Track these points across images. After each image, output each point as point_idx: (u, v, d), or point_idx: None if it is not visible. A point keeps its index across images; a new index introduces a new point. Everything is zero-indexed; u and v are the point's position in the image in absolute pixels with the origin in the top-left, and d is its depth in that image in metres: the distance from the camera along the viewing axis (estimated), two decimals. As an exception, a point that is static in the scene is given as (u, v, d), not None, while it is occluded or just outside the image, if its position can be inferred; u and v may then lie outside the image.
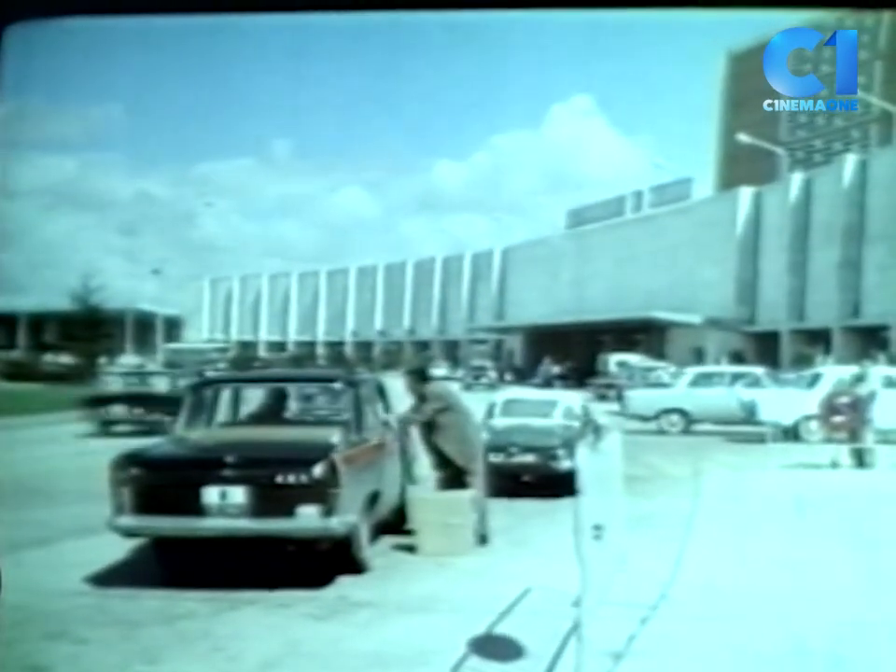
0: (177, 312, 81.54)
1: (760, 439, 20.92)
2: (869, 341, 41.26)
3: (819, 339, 45.12)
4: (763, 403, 21.51)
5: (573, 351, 54.34)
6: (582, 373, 44.09)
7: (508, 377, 49.53)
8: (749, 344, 49.47)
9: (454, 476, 10.24)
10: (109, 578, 8.72)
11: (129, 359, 60.50)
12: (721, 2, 3.74)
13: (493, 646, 6.70)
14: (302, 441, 9.00)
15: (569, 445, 12.39)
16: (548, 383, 41.45)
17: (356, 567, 8.78)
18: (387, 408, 10.92)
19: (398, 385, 11.20)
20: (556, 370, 48.08)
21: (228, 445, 8.93)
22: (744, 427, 22.41)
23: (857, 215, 46.37)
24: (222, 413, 10.35)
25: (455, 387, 12.27)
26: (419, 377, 10.67)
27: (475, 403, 12.27)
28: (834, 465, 16.68)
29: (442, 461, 10.30)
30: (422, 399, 10.39)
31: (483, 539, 10.09)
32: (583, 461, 6.19)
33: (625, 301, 56.27)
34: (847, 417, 17.40)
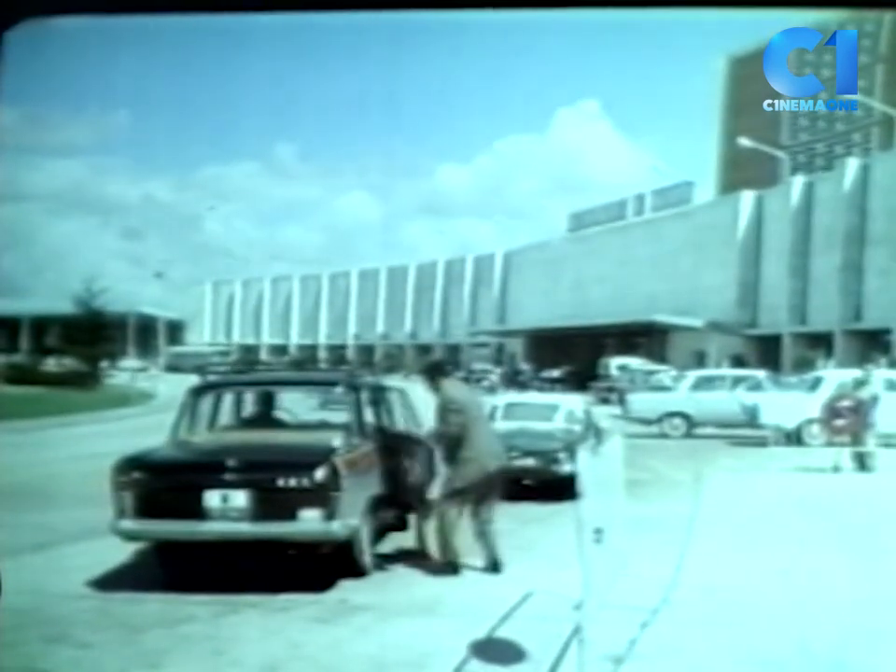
0: (180, 315, 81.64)
1: (762, 442, 20.94)
2: (871, 344, 41.26)
3: (820, 342, 45.13)
4: (765, 407, 21.53)
5: (575, 354, 54.37)
6: (581, 377, 44.10)
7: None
8: (751, 348, 49.48)
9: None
10: (111, 581, 8.72)
11: (131, 363, 60.61)
12: (723, 1, 3.75)
13: (494, 649, 6.70)
14: (304, 444, 9.00)
15: (570, 449, 12.37)
16: (524, 386, 41.35)
17: (357, 570, 8.78)
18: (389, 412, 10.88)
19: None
20: (556, 373, 48.14)
21: (229, 449, 8.93)
22: (746, 431, 22.40)
23: (858, 218, 46.37)
24: (224, 416, 10.34)
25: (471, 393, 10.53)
26: (431, 377, 9.62)
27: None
28: (836, 468, 16.67)
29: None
30: (441, 405, 9.42)
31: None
32: (584, 465, 6.19)
33: (627, 304, 56.30)
34: (849, 421, 17.40)
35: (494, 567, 9.17)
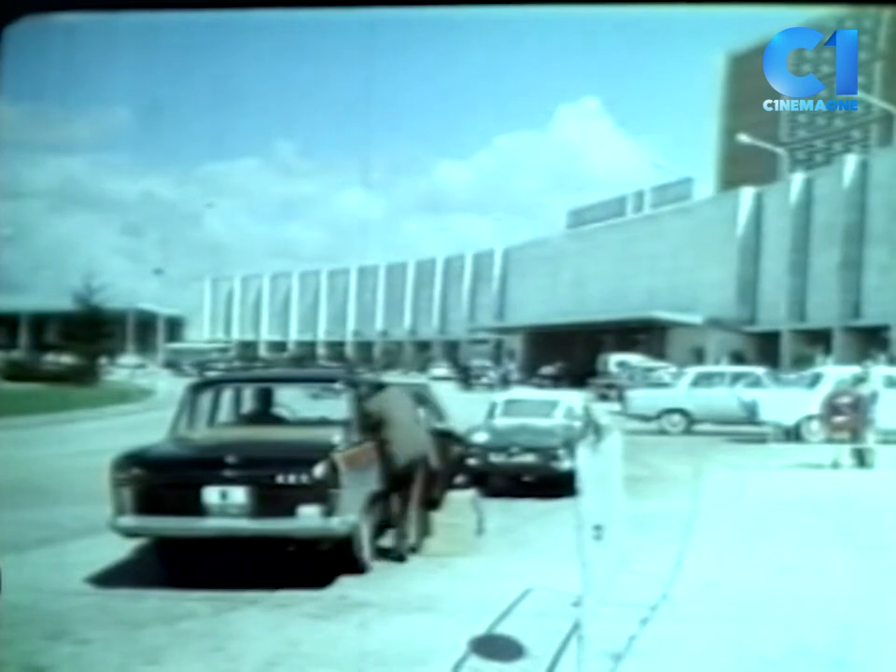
0: (179, 312, 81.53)
1: (761, 439, 20.93)
2: (870, 341, 41.24)
3: (819, 339, 45.11)
4: (764, 403, 21.50)
5: (574, 351, 54.36)
6: (576, 374, 44.05)
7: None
8: (750, 345, 49.46)
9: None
10: (110, 578, 8.72)
11: (130, 359, 60.57)
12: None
13: (493, 646, 6.70)
14: (303, 440, 9.01)
15: (570, 445, 12.38)
16: (506, 382, 41.36)
17: (356, 566, 8.78)
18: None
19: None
20: (549, 370, 48.16)
21: (229, 445, 8.93)
22: (745, 428, 22.39)
23: (858, 215, 46.37)
24: (223, 412, 10.34)
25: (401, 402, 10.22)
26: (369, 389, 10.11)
27: (476, 404, 12.27)
28: (835, 465, 16.68)
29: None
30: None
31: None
32: (584, 461, 6.20)
33: (626, 301, 56.28)
34: (849, 417, 17.40)
35: (399, 557, 9.43)
